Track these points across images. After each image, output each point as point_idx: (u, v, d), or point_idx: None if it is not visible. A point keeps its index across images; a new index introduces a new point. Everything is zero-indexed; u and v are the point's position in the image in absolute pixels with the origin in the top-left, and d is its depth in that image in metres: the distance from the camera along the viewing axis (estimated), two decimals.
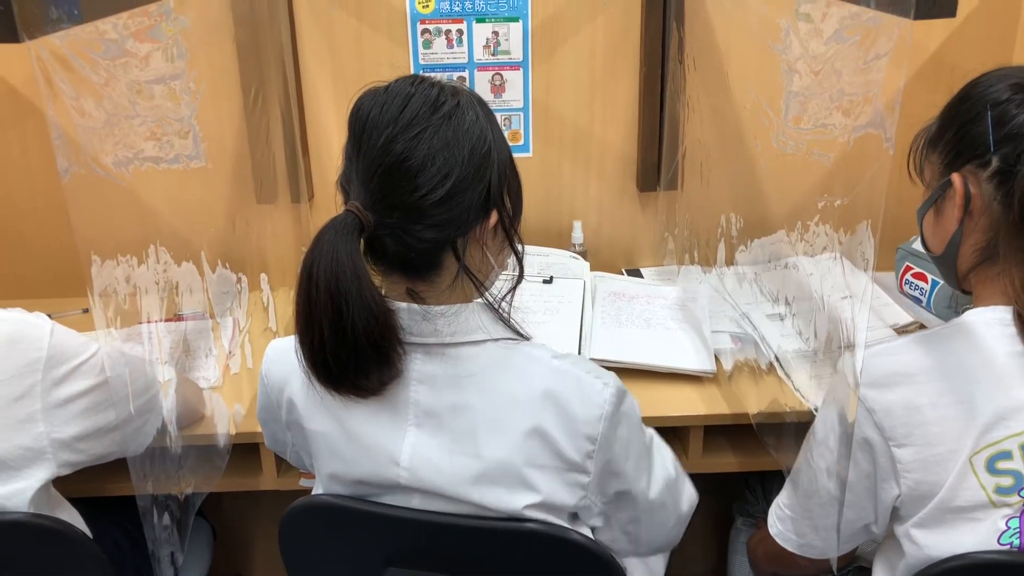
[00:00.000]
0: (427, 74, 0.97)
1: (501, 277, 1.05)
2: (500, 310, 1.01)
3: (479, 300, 1.01)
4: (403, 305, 0.97)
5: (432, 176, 0.90)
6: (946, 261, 1.07)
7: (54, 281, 1.87)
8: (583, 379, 0.98)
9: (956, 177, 1.02)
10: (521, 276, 1.05)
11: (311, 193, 1.86)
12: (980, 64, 1.77)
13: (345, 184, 0.98)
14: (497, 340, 0.99)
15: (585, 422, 0.96)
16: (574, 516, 1.04)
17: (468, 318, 0.98)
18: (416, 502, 1.00)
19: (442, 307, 0.97)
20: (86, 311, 1.83)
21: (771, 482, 1.60)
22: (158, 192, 1.12)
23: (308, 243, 0.90)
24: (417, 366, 0.97)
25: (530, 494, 0.97)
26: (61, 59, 0.81)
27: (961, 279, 1.08)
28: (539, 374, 0.97)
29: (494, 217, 0.96)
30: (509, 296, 1.04)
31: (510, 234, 1.00)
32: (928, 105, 1.78)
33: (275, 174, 1.65)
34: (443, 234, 0.93)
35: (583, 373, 0.98)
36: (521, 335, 1.02)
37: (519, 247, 1.03)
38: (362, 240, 0.93)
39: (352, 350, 0.90)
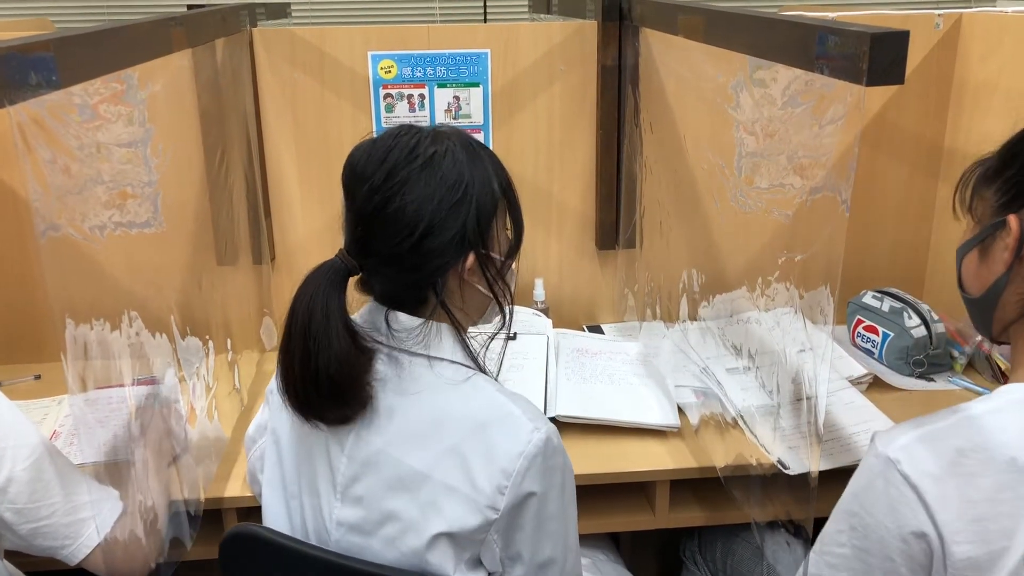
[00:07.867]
0: (415, 124, 1.02)
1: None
2: (467, 342, 1.06)
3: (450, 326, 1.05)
4: (380, 310, 1.03)
5: (404, 226, 0.97)
6: (984, 305, 0.99)
7: (4, 347, 1.83)
8: (516, 416, 1.00)
9: (1013, 219, 0.94)
10: (504, 319, 1.09)
11: (272, 254, 1.86)
12: (920, 124, 1.88)
13: (344, 228, 1.04)
14: (454, 363, 1.03)
15: (504, 454, 0.97)
16: (478, 563, 1.02)
17: (436, 336, 1.03)
18: (347, 513, 1.02)
19: (416, 319, 1.03)
20: (38, 377, 1.79)
21: (708, 546, 1.58)
22: (130, 256, 1.12)
23: (270, 305, 0.92)
24: (378, 365, 1.01)
25: (437, 520, 0.98)
26: (40, 124, 0.82)
27: (998, 329, 1.00)
28: (477, 401, 1.01)
29: (471, 258, 1.01)
30: (489, 339, 1.09)
31: (488, 275, 1.04)
32: (871, 161, 1.88)
33: (237, 236, 1.64)
34: (418, 276, 1.00)
35: (519, 412, 1.00)
36: (481, 368, 1.05)
37: (501, 289, 1.06)
38: (359, 277, 1.02)
39: (315, 387, 0.97)
